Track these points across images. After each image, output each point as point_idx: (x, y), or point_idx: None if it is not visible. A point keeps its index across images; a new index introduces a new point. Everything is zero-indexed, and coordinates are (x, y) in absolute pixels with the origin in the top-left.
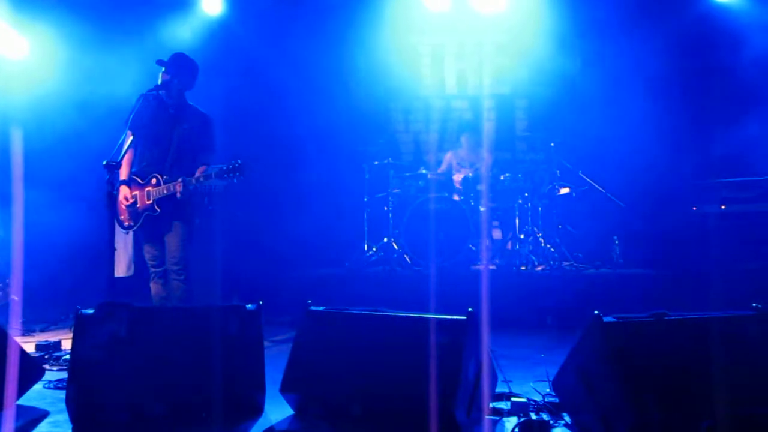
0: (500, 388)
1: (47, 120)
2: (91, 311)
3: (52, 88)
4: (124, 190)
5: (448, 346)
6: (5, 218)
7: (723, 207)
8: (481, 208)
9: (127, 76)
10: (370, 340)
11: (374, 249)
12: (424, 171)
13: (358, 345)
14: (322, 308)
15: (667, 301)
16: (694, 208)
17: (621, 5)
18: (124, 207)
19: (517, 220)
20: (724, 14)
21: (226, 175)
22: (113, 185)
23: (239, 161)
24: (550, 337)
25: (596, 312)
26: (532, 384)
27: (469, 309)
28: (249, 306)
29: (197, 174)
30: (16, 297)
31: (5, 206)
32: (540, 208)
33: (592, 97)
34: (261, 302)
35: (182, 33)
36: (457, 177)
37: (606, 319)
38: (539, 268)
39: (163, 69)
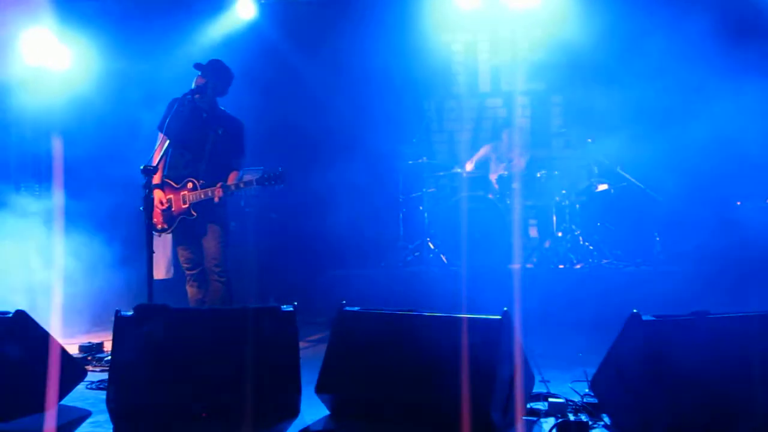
0: (537, 389)
1: (87, 129)
2: (129, 313)
3: (93, 97)
4: (158, 194)
5: (483, 346)
6: (49, 222)
7: (738, 203)
8: (517, 207)
9: (163, 81)
10: (404, 340)
11: (410, 249)
12: (458, 170)
13: (392, 345)
14: (356, 308)
15: (709, 299)
16: (738, 203)
17: None
18: (158, 210)
19: (554, 218)
20: None
21: (267, 183)
22: (151, 189)
23: (280, 169)
24: (589, 336)
25: (635, 311)
26: (570, 384)
27: (505, 308)
28: (284, 307)
29: (231, 179)
30: None
31: (48, 214)
32: (578, 206)
33: (630, 92)
34: (296, 303)
35: (217, 38)
36: (493, 176)
37: (645, 317)
38: (578, 267)
39: (200, 73)
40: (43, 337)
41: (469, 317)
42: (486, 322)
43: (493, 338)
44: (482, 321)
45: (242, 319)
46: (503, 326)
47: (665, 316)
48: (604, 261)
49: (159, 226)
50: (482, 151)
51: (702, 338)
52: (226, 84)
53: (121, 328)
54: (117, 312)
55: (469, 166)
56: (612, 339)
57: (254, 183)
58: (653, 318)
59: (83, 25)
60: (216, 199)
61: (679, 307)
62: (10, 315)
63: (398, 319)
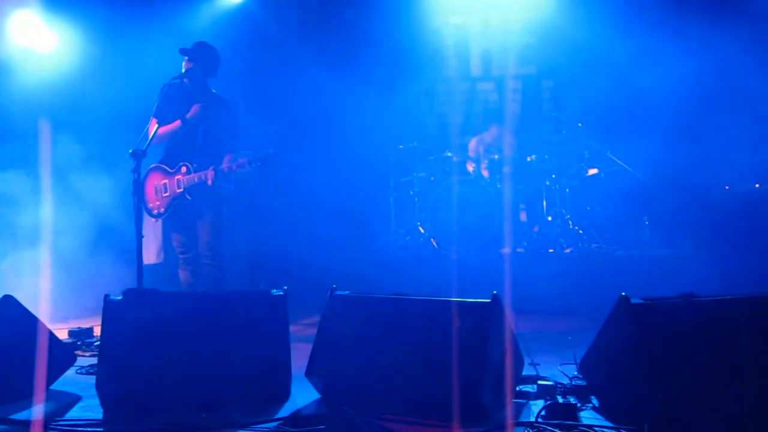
0: (527, 371)
1: (74, 111)
2: (119, 297)
3: (80, 79)
4: (153, 178)
5: (473, 330)
6: (36, 206)
7: (757, 185)
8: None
9: (152, 64)
10: (394, 324)
11: (400, 233)
12: (449, 154)
13: (382, 329)
14: (346, 292)
15: (699, 282)
16: (727, 187)
17: None
18: (153, 195)
19: (544, 202)
20: None
21: (259, 164)
22: (140, 174)
23: (270, 150)
24: (579, 319)
25: (623, 294)
26: (559, 367)
27: (494, 292)
28: (275, 291)
29: (225, 162)
30: None
31: (35, 195)
32: (568, 190)
33: (621, 76)
34: (286, 287)
35: (205, 20)
36: (483, 164)
37: (633, 300)
38: (568, 251)
39: (186, 57)
40: (32, 321)
41: (459, 301)
42: (476, 306)
43: (483, 322)
44: (472, 305)
45: (233, 303)
46: (493, 309)
47: (654, 299)
48: (594, 245)
49: (155, 211)
50: (471, 146)
51: (690, 321)
52: (215, 65)
53: (110, 312)
54: (106, 296)
55: (470, 167)
56: (601, 322)
57: (247, 165)
58: (642, 301)
59: (69, 8)
60: (209, 182)
61: (669, 291)
62: None
63: (388, 303)
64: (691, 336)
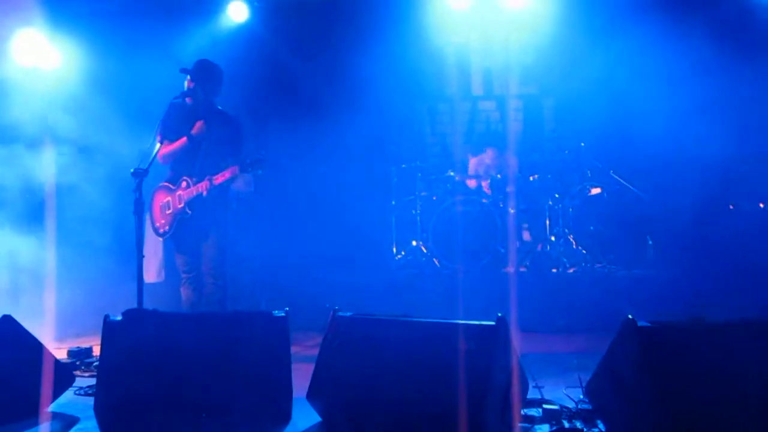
0: (532, 395)
1: (79, 128)
2: (118, 318)
3: (84, 97)
4: (158, 197)
5: (477, 353)
6: (40, 227)
7: (761, 205)
8: (510, 210)
9: (155, 83)
10: (397, 346)
11: (403, 252)
12: (451, 173)
13: (385, 351)
14: (349, 314)
15: (702, 303)
16: (731, 206)
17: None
18: (159, 213)
19: (547, 222)
20: (760, 6)
21: (249, 168)
22: (141, 193)
23: (262, 152)
24: (584, 340)
25: (630, 316)
26: (564, 390)
27: (499, 314)
28: (276, 312)
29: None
30: None
31: (39, 215)
32: (571, 209)
33: (622, 94)
34: (287, 309)
35: (208, 39)
36: (485, 182)
37: (640, 323)
38: (571, 270)
39: (188, 77)
40: (30, 342)
41: (463, 323)
42: (481, 329)
43: (487, 344)
44: (477, 327)
45: (233, 324)
46: (498, 332)
47: (660, 322)
48: (597, 265)
49: (161, 230)
50: (471, 165)
51: (698, 344)
52: (217, 83)
53: (109, 332)
54: (106, 317)
55: (472, 183)
56: (607, 344)
57: (237, 171)
58: (648, 324)
59: (74, 26)
60: (204, 193)
61: (674, 312)
62: None
63: (391, 325)
64: (698, 359)
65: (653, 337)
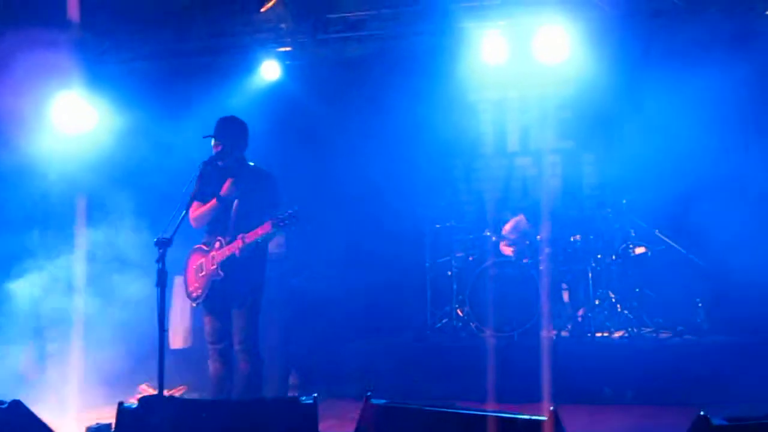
0: None
1: (112, 190)
2: (133, 405)
3: (118, 159)
4: (193, 260)
5: None
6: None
7: None
8: (550, 272)
9: (190, 144)
10: None
11: (438, 316)
12: (488, 233)
13: None
14: (383, 401)
15: (755, 374)
16: None
17: (688, 53)
18: (192, 277)
19: (590, 284)
20: None
21: (282, 224)
22: (164, 263)
23: (296, 207)
24: (633, 414)
25: (702, 413)
26: None
27: (551, 408)
28: (304, 399)
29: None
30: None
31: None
32: (614, 270)
33: (664, 147)
34: (316, 395)
35: (243, 99)
36: (523, 245)
37: (715, 421)
38: (617, 335)
39: (212, 140)
40: (40, 428)
41: (510, 417)
42: (530, 424)
43: None
44: (526, 422)
45: (258, 413)
46: (550, 429)
47: (739, 419)
48: (645, 330)
49: (194, 294)
50: (506, 231)
51: None
52: (242, 138)
53: (124, 420)
54: (120, 404)
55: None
56: (660, 419)
57: (270, 228)
58: (725, 422)
59: (109, 86)
60: (237, 253)
61: (731, 386)
62: (6, 405)
63: (429, 416)
64: None
65: None
